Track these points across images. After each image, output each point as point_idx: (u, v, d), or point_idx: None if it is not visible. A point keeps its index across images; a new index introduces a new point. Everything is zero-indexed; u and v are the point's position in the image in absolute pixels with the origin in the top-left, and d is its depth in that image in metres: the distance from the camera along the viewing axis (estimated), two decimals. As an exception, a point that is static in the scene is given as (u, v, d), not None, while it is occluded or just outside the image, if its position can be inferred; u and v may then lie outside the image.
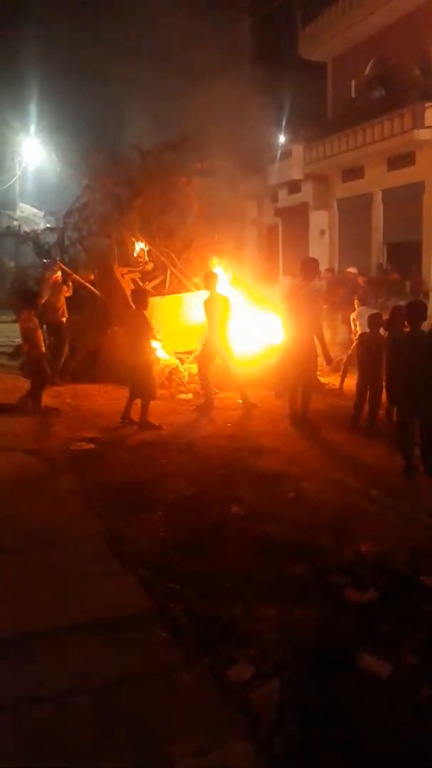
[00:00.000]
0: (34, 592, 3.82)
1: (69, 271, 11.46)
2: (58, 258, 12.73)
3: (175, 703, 2.84)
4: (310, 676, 3.04)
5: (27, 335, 8.29)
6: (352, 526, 4.75)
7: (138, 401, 7.70)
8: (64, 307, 10.76)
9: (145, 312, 8.00)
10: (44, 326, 11.29)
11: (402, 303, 9.11)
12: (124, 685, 2.96)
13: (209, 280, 8.93)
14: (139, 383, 7.71)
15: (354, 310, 9.87)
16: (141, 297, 8.17)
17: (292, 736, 2.68)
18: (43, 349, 8.37)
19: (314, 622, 3.48)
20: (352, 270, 14.23)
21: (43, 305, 10.63)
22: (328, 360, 8.10)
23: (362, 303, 10.26)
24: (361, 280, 13.47)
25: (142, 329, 7.82)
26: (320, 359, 7.96)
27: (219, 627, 3.43)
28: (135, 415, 7.71)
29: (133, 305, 8.24)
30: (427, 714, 2.85)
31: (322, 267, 15.15)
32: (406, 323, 6.23)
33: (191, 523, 4.77)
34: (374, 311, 9.79)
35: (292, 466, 6.14)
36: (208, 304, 8.67)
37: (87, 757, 2.56)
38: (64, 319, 10.72)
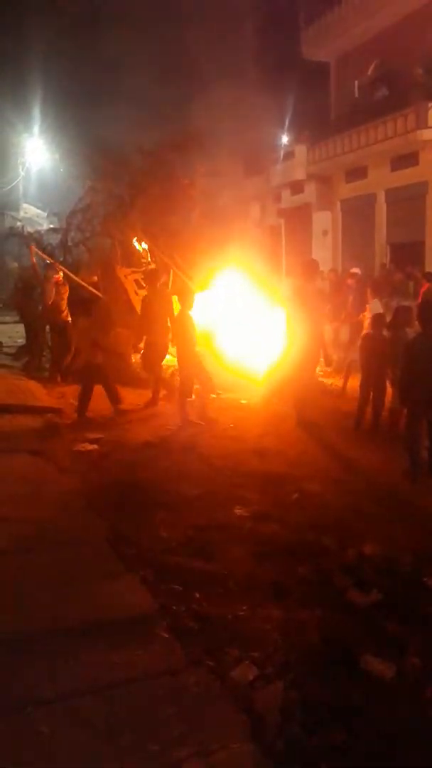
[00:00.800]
0: (37, 592, 3.81)
1: (47, 257, 11.46)
2: (33, 245, 12.54)
3: (179, 704, 2.84)
4: (314, 678, 3.04)
5: (95, 343, 8.22)
6: (356, 527, 4.75)
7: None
8: (67, 308, 10.77)
9: (191, 313, 7.92)
10: (48, 327, 11.34)
11: (406, 303, 9.11)
12: (127, 687, 2.96)
13: (151, 277, 9.07)
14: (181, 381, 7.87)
15: (363, 310, 9.81)
16: (188, 297, 8.03)
17: (295, 738, 2.67)
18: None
19: (318, 623, 3.47)
20: (356, 271, 14.20)
21: (50, 306, 10.66)
22: (329, 361, 8.14)
23: (355, 305, 10.24)
24: (351, 281, 13.35)
25: (187, 330, 7.83)
26: (321, 360, 7.97)
27: (222, 628, 3.43)
28: (197, 414, 7.80)
29: (180, 305, 8.14)
30: (431, 715, 2.84)
31: (325, 268, 15.16)
32: (417, 323, 6.20)
33: (195, 524, 4.77)
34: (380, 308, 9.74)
35: (296, 468, 6.13)
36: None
37: (90, 759, 2.56)
38: (69, 320, 10.74)
